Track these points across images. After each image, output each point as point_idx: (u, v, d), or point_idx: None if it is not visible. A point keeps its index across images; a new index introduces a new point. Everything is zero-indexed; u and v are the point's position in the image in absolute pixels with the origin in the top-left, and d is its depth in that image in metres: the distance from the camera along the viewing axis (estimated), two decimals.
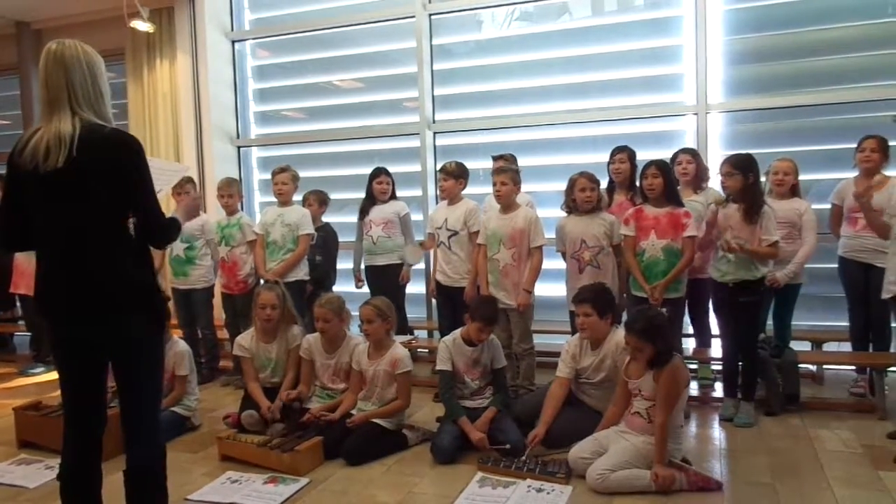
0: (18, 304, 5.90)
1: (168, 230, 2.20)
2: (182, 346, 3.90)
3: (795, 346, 4.21)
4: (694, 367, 4.30)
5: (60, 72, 2.02)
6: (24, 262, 5.40)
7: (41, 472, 3.30)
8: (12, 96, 6.93)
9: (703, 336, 4.36)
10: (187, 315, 4.95)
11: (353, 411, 3.56)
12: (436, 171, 5.32)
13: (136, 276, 2.10)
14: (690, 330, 4.40)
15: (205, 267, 4.92)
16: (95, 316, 2.05)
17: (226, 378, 4.93)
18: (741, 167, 3.61)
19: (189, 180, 4.81)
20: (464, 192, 4.42)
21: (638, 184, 3.99)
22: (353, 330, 3.95)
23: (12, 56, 6.73)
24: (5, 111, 7.28)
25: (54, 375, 5.23)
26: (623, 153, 4.23)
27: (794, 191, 4.09)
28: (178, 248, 4.83)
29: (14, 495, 3.07)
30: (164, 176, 2.59)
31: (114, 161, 2.01)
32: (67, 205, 2.01)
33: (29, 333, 5.81)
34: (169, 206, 4.53)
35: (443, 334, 4.13)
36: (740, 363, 3.78)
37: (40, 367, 5.48)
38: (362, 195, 4.95)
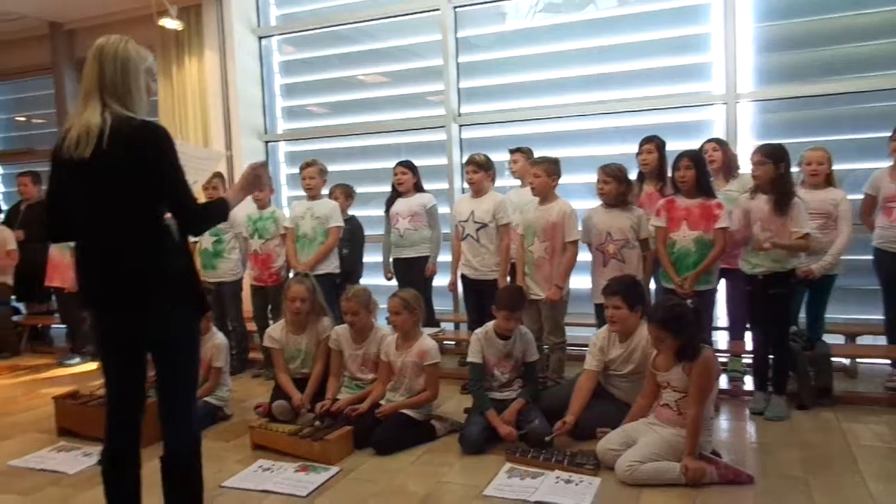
0: (53, 297, 6.03)
1: (207, 213, 2.20)
2: (221, 338, 3.98)
3: (829, 339, 4.15)
4: (724, 359, 4.26)
5: (96, 66, 2.08)
6: (58, 256, 5.54)
7: (79, 459, 3.39)
8: (47, 95, 7.08)
9: (735, 328, 4.32)
10: (217, 308, 5.02)
11: (382, 402, 3.59)
12: (462, 164, 5.33)
13: (172, 267, 2.12)
14: (723, 322, 4.36)
15: (233, 260, 4.99)
16: (133, 306, 2.09)
17: (256, 369, 5.00)
18: (772, 156, 3.56)
19: (218, 175, 4.88)
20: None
21: (669, 174, 3.96)
22: (381, 322, 3.98)
23: (46, 56, 6.88)
24: (40, 110, 7.42)
25: (90, 366, 5.44)
26: (651, 143, 4.20)
27: (828, 181, 4.01)
28: (206, 241, 4.91)
29: (55, 480, 3.17)
30: (199, 163, 2.61)
31: (141, 151, 2.03)
32: (98, 195, 2.05)
33: (64, 325, 5.94)
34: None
35: (472, 328, 4.14)
36: (771, 356, 3.74)
37: (76, 358, 5.62)
38: (388, 189, 4.98)
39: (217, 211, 2.24)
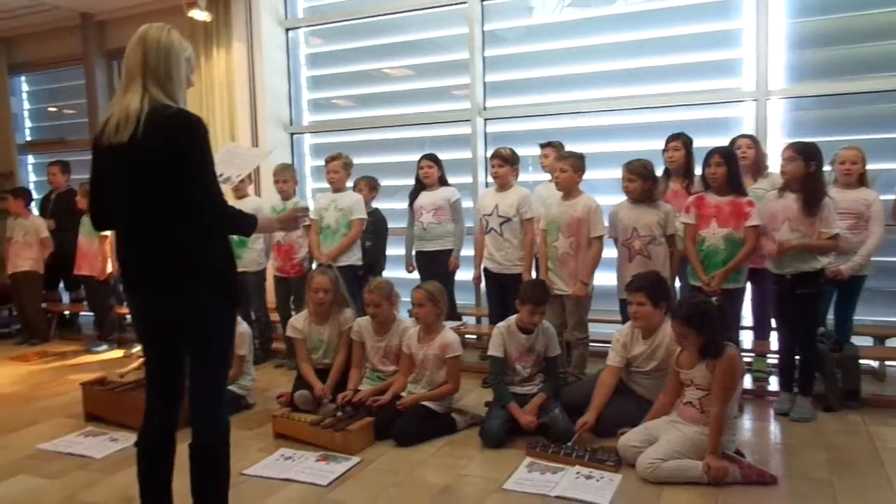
0: (82, 285, 6.13)
1: (226, 216, 2.15)
2: (245, 327, 4.02)
3: (857, 341, 4.07)
4: (749, 359, 4.21)
5: (139, 51, 2.10)
6: (86, 245, 5.64)
7: (106, 444, 3.46)
8: (78, 86, 7.18)
9: (761, 328, 4.26)
10: (241, 297, 5.06)
11: (403, 394, 3.61)
12: (486, 158, 5.31)
13: (206, 255, 2.13)
14: (748, 322, 4.30)
15: (257, 251, 5.03)
16: (171, 293, 2.11)
17: (279, 359, 5.05)
18: (804, 153, 3.49)
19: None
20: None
21: (698, 172, 3.91)
22: (403, 314, 3.99)
23: (77, 47, 6.97)
24: (71, 100, 7.54)
25: (117, 353, 5.53)
26: (678, 140, 4.16)
27: (861, 180, 3.93)
28: None
29: (83, 465, 3.23)
30: (244, 161, 2.63)
31: (174, 140, 2.03)
32: (136, 181, 2.07)
33: (92, 314, 6.05)
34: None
35: (493, 322, 4.14)
36: (797, 357, 3.69)
37: (104, 346, 5.72)
38: (412, 182, 4.98)
39: (244, 224, 2.23)
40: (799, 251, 3.50)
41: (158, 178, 2.05)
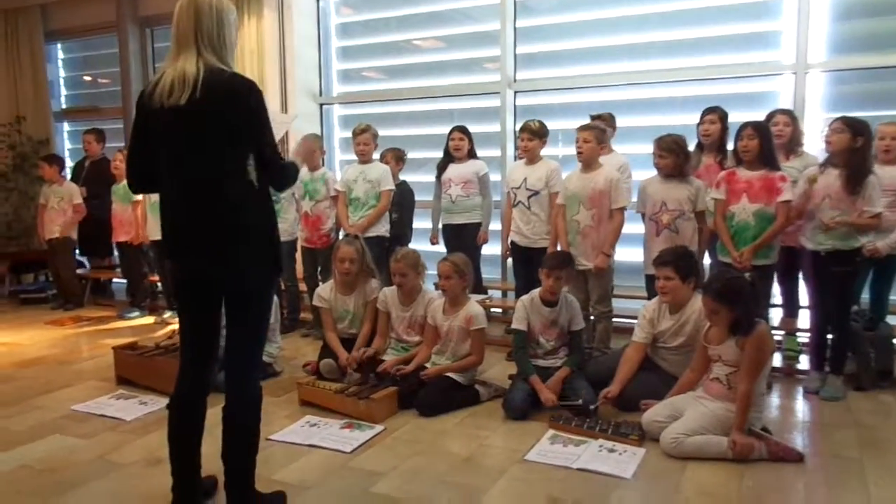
0: (116, 252, 6.25)
1: (286, 172, 2.25)
2: None
3: (892, 320, 3.97)
4: (779, 337, 4.14)
5: (192, 15, 2.09)
6: (121, 212, 5.73)
7: (136, 407, 3.54)
8: (111, 54, 7.24)
9: (791, 306, 4.18)
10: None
11: (427, 365, 3.62)
12: (515, 132, 5.25)
13: (254, 219, 2.16)
14: (779, 300, 4.23)
15: (289, 220, 5.03)
16: (214, 256, 2.14)
17: (305, 329, 5.10)
18: (852, 126, 3.39)
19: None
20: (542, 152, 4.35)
21: (730, 146, 3.82)
22: (429, 286, 3.99)
23: (111, 14, 7.01)
24: (105, 68, 7.61)
25: (148, 320, 5.63)
26: (714, 114, 4.06)
27: None
28: None
29: (114, 426, 3.31)
30: (273, 125, 2.67)
31: (233, 103, 2.07)
32: (188, 142, 2.08)
33: (125, 280, 6.17)
34: None
35: (518, 295, 4.12)
36: (830, 335, 3.61)
37: (136, 312, 5.84)
38: (440, 154, 4.95)
39: (294, 171, 2.31)
40: (839, 228, 3.41)
41: (214, 141, 2.07)
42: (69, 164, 7.01)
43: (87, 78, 7.94)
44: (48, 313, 6.03)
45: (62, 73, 8.00)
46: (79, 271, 6.47)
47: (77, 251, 6.45)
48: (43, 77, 7.43)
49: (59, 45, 7.85)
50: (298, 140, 4.97)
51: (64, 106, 7.93)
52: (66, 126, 7.95)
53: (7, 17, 7.40)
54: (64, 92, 8.01)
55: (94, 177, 6.24)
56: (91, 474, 2.75)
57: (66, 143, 7.95)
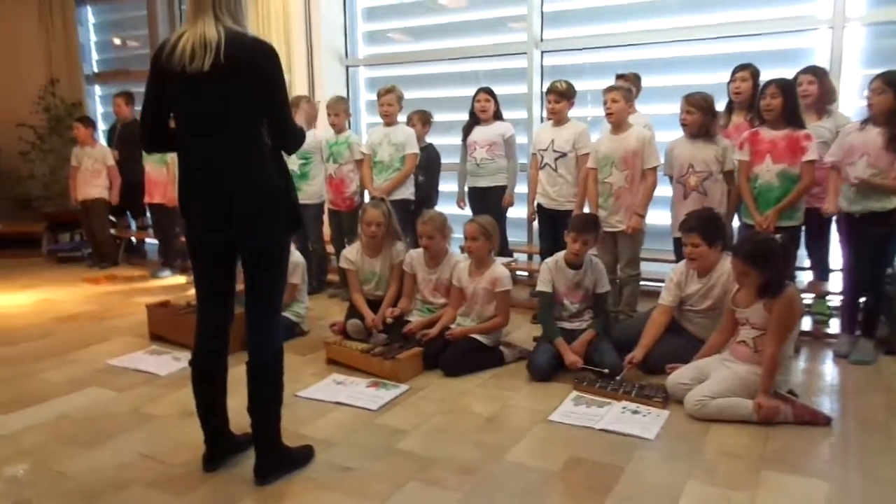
0: (148, 213, 6.36)
1: (298, 137, 2.29)
2: (297, 256, 4.08)
3: None
4: (808, 301, 4.08)
5: None
6: (154, 173, 5.81)
7: (170, 362, 3.64)
8: (140, 17, 7.27)
9: (819, 269, 4.11)
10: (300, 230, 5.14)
11: (452, 326, 3.65)
12: (542, 93, 5.17)
13: (272, 180, 2.20)
14: (807, 262, 4.16)
15: (318, 183, 5.04)
16: (232, 216, 2.17)
17: (333, 290, 5.16)
18: (894, 84, 3.28)
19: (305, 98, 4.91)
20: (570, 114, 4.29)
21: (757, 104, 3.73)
22: (455, 249, 4.00)
23: None
24: (134, 31, 7.64)
25: (180, 279, 5.74)
26: (745, 71, 3.95)
27: None
28: (293, 163, 4.99)
29: (148, 380, 3.42)
30: None
31: (255, 66, 2.08)
32: (211, 106, 2.10)
33: (157, 241, 6.29)
34: None
35: (543, 258, 4.12)
36: (862, 298, 3.55)
37: (168, 272, 5.97)
38: (466, 117, 4.91)
39: (302, 137, 2.33)
40: (872, 189, 3.33)
41: (237, 105, 2.10)
42: (101, 127, 7.10)
43: (117, 41, 7.98)
44: (84, 271, 6.22)
45: (93, 37, 8.06)
46: (112, 231, 6.61)
47: (129, 210, 6.61)
48: (74, 40, 7.51)
49: (89, 9, 7.90)
50: (328, 100, 4.98)
51: (95, 70, 8.01)
52: (97, 90, 8.04)
53: None
54: (95, 56, 8.08)
55: (125, 139, 6.33)
56: (127, 425, 2.86)
57: (98, 106, 8.05)
